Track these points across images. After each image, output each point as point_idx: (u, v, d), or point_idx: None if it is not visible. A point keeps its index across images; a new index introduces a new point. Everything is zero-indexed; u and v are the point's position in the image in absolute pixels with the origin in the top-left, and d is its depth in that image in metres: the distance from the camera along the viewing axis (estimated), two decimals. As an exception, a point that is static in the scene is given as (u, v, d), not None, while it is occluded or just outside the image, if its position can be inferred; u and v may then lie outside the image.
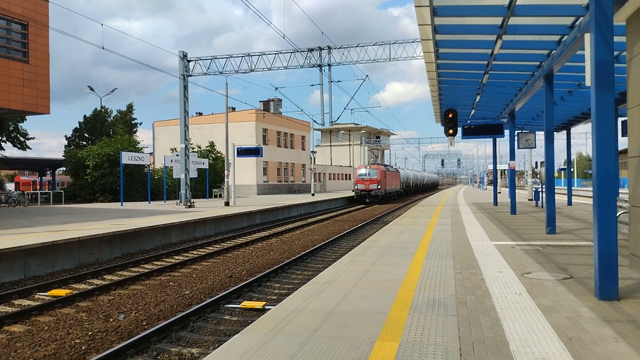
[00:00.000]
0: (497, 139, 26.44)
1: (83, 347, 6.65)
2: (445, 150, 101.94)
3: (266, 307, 8.27)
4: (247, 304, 8.59)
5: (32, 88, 21.31)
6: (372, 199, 41.89)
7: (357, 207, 39.96)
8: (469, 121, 21.84)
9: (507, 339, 4.51)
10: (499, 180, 42.00)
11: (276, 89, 39.53)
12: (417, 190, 71.16)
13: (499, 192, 31.19)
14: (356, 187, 42.93)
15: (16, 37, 20.89)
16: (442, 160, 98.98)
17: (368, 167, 43.59)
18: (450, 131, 16.81)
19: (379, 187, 41.52)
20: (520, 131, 20.90)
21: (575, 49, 9.15)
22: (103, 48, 21.74)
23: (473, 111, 20.09)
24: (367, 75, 33.21)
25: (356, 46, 28.18)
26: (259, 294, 9.74)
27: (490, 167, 61.14)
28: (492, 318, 5.18)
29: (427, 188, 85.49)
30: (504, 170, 69.53)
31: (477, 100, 17.25)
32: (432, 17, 8.91)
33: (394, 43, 27.17)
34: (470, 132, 19.99)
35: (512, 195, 19.63)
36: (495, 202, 26.03)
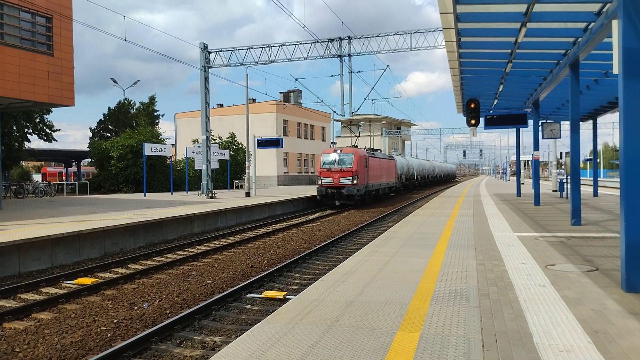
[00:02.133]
0: (521, 129, 26.00)
1: (109, 334, 6.80)
2: (467, 141, 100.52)
3: (287, 297, 8.33)
4: (268, 293, 8.66)
5: (57, 80, 21.67)
6: (343, 201, 26.97)
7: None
8: (491, 111, 21.51)
9: (531, 331, 4.46)
10: (522, 171, 36.53)
11: (296, 80, 39.29)
12: (424, 184, 57.70)
13: (523, 183, 30.72)
14: (320, 182, 27.68)
15: (41, 30, 21.24)
16: (464, 151, 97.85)
17: (338, 152, 28.29)
18: (473, 121, 16.58)
19: (355, 181, 26.94)
20: (544, 121, 20.49)
21: (602, 37, 8.91)
22: (125, 40, 21.98)
23: (496, 101, 19.77)
24: (387, 66, 32.82)
25: (377, 36, 27.93)
26: (280, 283, 9.81)
27: (514, 157, 59.97)
28: (515, 310, 5.13)
29: (438, 181, 71.86)
30: (528, 160, 68.43)
31: (500, 89, 16.96)
32: (454, 5, 8.76)
33: (415, 32, 26.85)
34: (493, 123, 19.68)
35: (536, 186, 19.31)
36: (519, 193, 25.66)
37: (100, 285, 9.46)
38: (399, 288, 6.16)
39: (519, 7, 9.03)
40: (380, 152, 38.85)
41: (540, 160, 20.90)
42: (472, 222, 13.42)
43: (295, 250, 13.58)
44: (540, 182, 21.74)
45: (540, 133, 19.26)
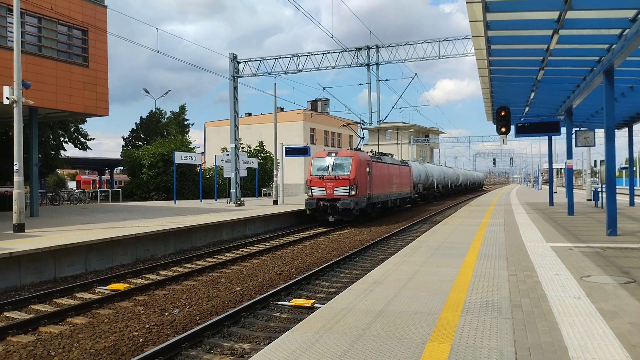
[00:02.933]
0: (553, 137, 25.47)
1: (140, 340, 6.93)
2: (498, 149, 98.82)
3: (315, 305, 8.33)
4: (296, 301, 8.68)
5: (91, 91, 22.32)
6: (339, 216, 21.71)
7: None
8: (522, 119, 21.16)
9: (566, 344, 4.35)
10: (554, 179, 35.98)
11: (324, 88, 39.44)
12: (445, 194, 51.71)
13: (555, 192, 30.03)
14: (310, 193, 22.58)
15: (77, 43, 21.94)
16: (494, 159, 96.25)
17: (333, 155, 23.06)
18: (503, 129, 16.34)
19: (353, 192, 21.68)
20: (578, 129, 20.05)
21: (637, 43, 8.70)
22: (158, 51, 22.51)
23: (527, 108, 19.45)
24: (415, 74, 32.69)
25: (405, 44, 27.85)
26: (308, 291, 9.82)
27: (546, 165, 58.69)
28: (550, 322, 5.01)
29: (463, 190, 66.17)
30: (560, 169, 66.84)
31: (532, 97, 16.69)
32: (484, 13, 8.70)
33: (444, 40, 26.68)
34: (524, 130, 19.33)
35: (570, 195, 18.86)
36: (551, 202, 25.09)
37: (132, 291, 9.65)
38: (429, 298, 6.10)
39: (551, 14, 8.90)
40: (391, 156, 31.40)
41: (573, 169, 20.41)
42: (503, 231, 13.19)
43: (323, 258, 13.58)
44: (574, 191, 21.23)
45: (573, 141, 18.84)
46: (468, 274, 7.53)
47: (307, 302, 8.53)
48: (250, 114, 58.78)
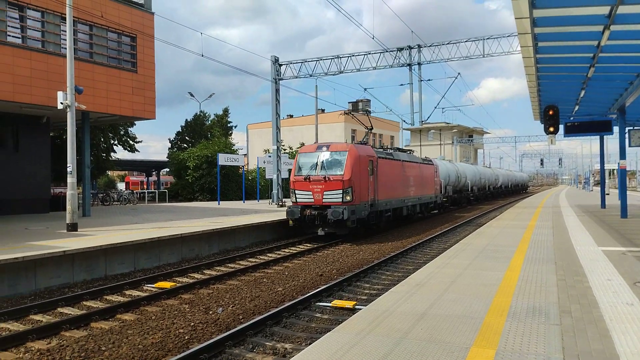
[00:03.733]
0: (605, 137, 24.45)
1: (186, 337, 7.11)
2: (545, 149, 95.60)
3: (357, 306, 8.31)
4: (337, 302, 8.69)
5: (140, 95, 23.08)
6: (330, 229, 17.09)
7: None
8: (572, 118, 20.43)
9: (618, 352, 4.18)
10: (606, 180, 34.86)
11: (365, 89, 39.33)
12: (481, 197, 46.09)
13: (607, 194, 28.81)
14: (294, 198, 17.85)
15: (126, 49, 22.75)
16: (542, 160, 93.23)
17: (323, 149, 17.93)
18: (551, 129, 15.82)
19: (349, 197, 16.76)
20: (631, 128, 19.21)
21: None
22: (202, 55, 23.06)
23: (577, 107, 18.76)
24: (459, 73, 32.06)
25: (447, 43, 27.41)
26: (349, 293, 9.81)
27: (597, 166, 56.36)
28: (600, 329, 4.82)
29: (504, 193, 60.16)
30: (613, 170, 64.10)
31: (582, 95, 16.08)
32: (531, 10, 8.46)
33: (488, 38, 26.09)
34: (574, 130, 18.67)
35: (623, 196, 18.06)
36: (603, 205, 24.10)
37: (178, 290, 9.91)
38: (473, 302, 5.98)
39: (601, 10, 8.57)
40: (411, 152, 26.29)
41: (627, 170, 19.53)
42: (551, 234, 12.77)
43: (364, 260, 13.54)
44: (627, 192, 20.31)
45: (627, 140, 18.06)
46: (514, 277, 7.34)
47: (349, 304, 8.52)
48: (291, 116, 59.28)
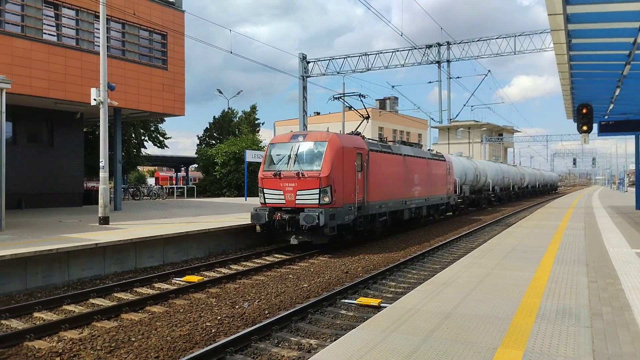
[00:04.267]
0: (641, 136, 23.72)
1: (213, 330, 7.22)
2: (578, 149, 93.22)
3: (382, 304, 8.30)
4: (362, 300, 8.69)
5: (170, 92, 23.48)
6: (306, 237, 13.82)
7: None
8: (606, 117, 19.89)
9: (651, 358, 4.07)
10: None
11: (393, 87, 39.15)
12: (505, 198, 42.43)
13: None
14: (263, 199, 14.63)
15: (157, 47, 23.16)
16: (574, 159, 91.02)
17: (299, 138, 14.61)
18: (585, 128, 15.47)
19: (327, 199, 13.58)
20: (669, 127, 18.57)
21: None
22: (231, 52, 23.29)
23: (612, 106, 18.24)
24: (489, 70, 31.57)
25: (477, 40, 27.03)
26: (375, 290, 9.80)
27: (632, 166, 54.63)
28: (633, 333, 4.70)
29: (531, 193, 56.45)
30: (649, 170, 62.03)
31: (617, 93, 15.62)
32: (564, 6, 8.26)
33: (520, 35, 25.63)
34: (609, 129, 18.19)
35: (658, 198, 17.50)
36: (638, 206, 23.41)
37: (205, 284, 10.06)
38: (500, 302, 5.90)
39: (638, 6, 8.31)
40: (417, 146, 22.67)
41: (663, 170, 18.90)
42: (583, 235, 12.48)
43: (390, 258, 13.48)
44: (664, 194, 19.69)
45: (664, 140, 17.47)
46: (543, 278, 7.21)
47: (374, 301, 8.51)
48: (318, 113, 59.32)
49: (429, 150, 25.14)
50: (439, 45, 27.59)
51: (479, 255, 9.47)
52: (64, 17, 19.45)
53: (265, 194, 14.44)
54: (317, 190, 13.53)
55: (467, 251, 13.76)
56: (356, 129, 17.37)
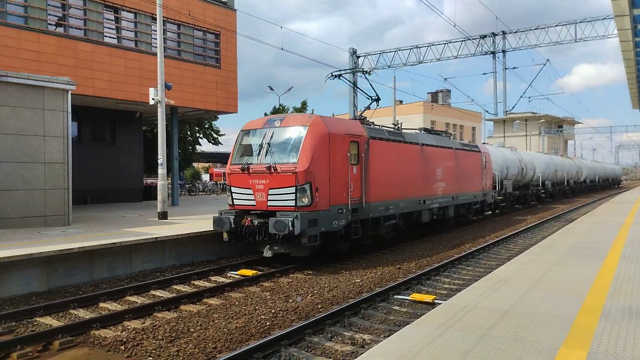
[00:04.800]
0: None
1: (267, 323, 7.35)
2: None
3: (436, 301, 8.18)
4: (416, 296, 8.60)
5: (223, 90, 24.01)
6: (282, 248, 11.07)
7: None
8: (677, 105, 18.66)
9: None
10: None
11: (445, 79, 38.33)
12: (559, 194, 38.81)
13: None
14: (231, 200, 11.85)
15: (210, 46, 23.74)
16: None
17: (276, 123, 11.73)
18: (652, 118, 14.54)
19: (306, 200, 10.68)
20: None
21: None
22: (282, 49, 23.54)
23: (683, 93, 17.12)
24: (547, 60, 30.27)
25: (535, 29, 25.98)
26: (428, 287, 9.67)
27: None
28: None
29: (589, 188, 51.23)
30: None
31: (689, 80, 14.66)
32: (631, -11, 7.82)
33: (581, 22, 24.41)
34: (679, 118, 17.01)
35: None
36: None
37: (259, 277, 10.25)
38: (562, 301, 5.69)
39: None
40: (445, 135, 19.47)
41: None
42: (650, 232, 11.81)
43: (443, 255, 13.26)
44: None
45: None
46: (608, 277, 6.88)
47: (428, 298, 8.40)
48: (369, 108, 58.98)
49: (461, 141, 21.72)
50: (494, 35, 26.74)
51: (539, 252, 9.16)
52: (123, 20, 20.27)
53: (232, 194, 11.74)
54: (293, 189, 10.71)
55: (525, 247, 13.33)
56: (360, 113, 14.53)
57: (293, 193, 10.74)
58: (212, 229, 11.76)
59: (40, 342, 6.57)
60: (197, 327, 7.14)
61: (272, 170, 11.00)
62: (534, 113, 69.54)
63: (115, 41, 19.93)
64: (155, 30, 17.47)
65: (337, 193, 11.41)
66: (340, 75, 15.02)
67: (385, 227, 13.62)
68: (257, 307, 8.15)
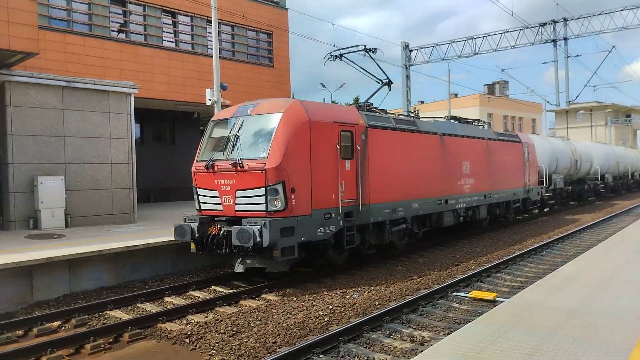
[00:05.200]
0: None
1: (325, 319, 7.41)
2: None
3: (497, 298, 7.97)
4: (476, 293, 8.40)
5: (276, 89, 24.34)
6: (252, 260, 9.13)
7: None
8: None
9: None
10: None
11: (502, 70, 37.08)
12: (624, 188, 35.31)
13: None
14: (198, 204, 10.03)
15: (263, 45, 24.14)
16: None
17: (249, 110, 9.90)
18: None
19: (279, 203, 8.72)
20: None
21: None
22: (334, 46, 23.58)
23: None
24: (613, 46, 28.68)
25: (599, 14, 24.70)
26: (489, 284, 9.43)
27: None
28: None
29: None
30: None
31: None
32: None
33: (650, 3, 23.00)
34: None
35: None
36: None
37: (317, 273, 10.29)
38: (635, 300, 5.40)
39: None
40: (478, 124, 17.03)
41: None
42: None
43: (504, 251, 12.88)
44: None
45: None
46: (686, 275, 6.46)
47: (489, 295, 8.19)
48: (422, 102, 58.00)
49: (501, 132, 19.10)
50: (554, 22, 25.65)
51: (607, 249, 8.76)
52: (180, 23, 20.93)
53: (199, 196, 10.01)
54: (262, 190, 8.84)
55: (592, 244, 12.73)
56: (367, 100, 12.44)
57: (263, 195, 8.83)
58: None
59: (112, 335, 6.92)
60: (257, 322, 7.30)
61: (239, 167, 9.09)
62: (600, 102, 66.10)
63: (173, 45, 20.63)
64: (211, 33, 17.92)
65: (322, 194, 9.42)
66: (342, 55, 12.58)
67: (392, 233, 11.51)
68: (314, 303, 8.23)
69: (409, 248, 12.82)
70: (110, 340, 6.82)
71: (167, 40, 20.54)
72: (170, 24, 20.71)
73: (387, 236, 11.33)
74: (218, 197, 9.51)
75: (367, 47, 12.19)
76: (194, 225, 9.43)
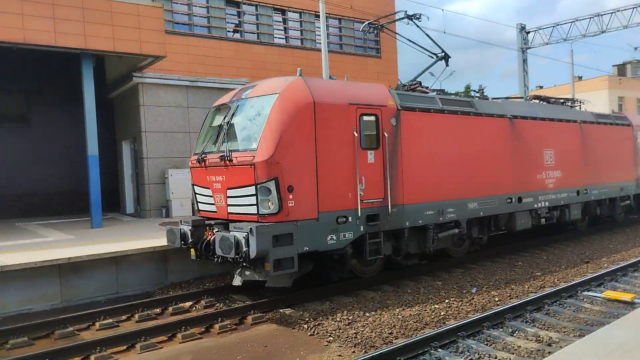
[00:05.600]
0: None
1: (442, 313, 7.25)
2: None
3: (636, 300, 7.25)
4: (610, 294, 7.71)
5: (384, 80, 24.07)
6: (252, 273, 7.69)
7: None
8: None
9: None
10: None
11: (635, 49, 33.28)
12: None
13: None
14: (197, 206, 8.86)
15: (370, 37, 24.05)
16: None
17: (247, 92, 8.33)
18: None
19: (272, 205, 7.20)
20: None
21: None
22: (444, 32, 22.83)
23: None
24: None
25: None
26: (625, 284, 8.60)
27: None
28: None
29: None
30: None
31: None
32: None
33: None
34: None
35: None
36: None
37: (432, 266, 10.06)
38: None
39: None
40: (570, 104, 14.46)
41: None
42: None
43: (640, 248, 11.69)
44: None
45: None
46: None
47: (626, 296, 7.47)
48: (541, 87, 54.15)
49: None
50: (701, -11, 22.55)
51: None
52: (290, 20, 21.53)
53: (196, 195, 8.84)
54: (252, 189, 7.41)
55: None
56: (416, 78, 10.85)
57: (253, 195, 7.38)
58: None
59: (237, 316, 7.38)
60: (373, 312, 7.34)
61: (227, 161, 7.71)
62: None
63: (283, 41, 21.29)
64: (319, 27, 18.21)
65: (333, 193, 7.78)
66: (382, 26, 11.14)
67: (440, 240, 9.51)
68: (429, 296, 8.09)
69: (481, 253, 11.13)
70: (236, 322, 7.26)
71: (278, 37, 21.24)
72: (280, 22, 21.39)
73: (433, 243, 9.35)
74: (211, 196, 8.22)
75: (409, 14, 10.78)
76: (187, 228, 8.15)
